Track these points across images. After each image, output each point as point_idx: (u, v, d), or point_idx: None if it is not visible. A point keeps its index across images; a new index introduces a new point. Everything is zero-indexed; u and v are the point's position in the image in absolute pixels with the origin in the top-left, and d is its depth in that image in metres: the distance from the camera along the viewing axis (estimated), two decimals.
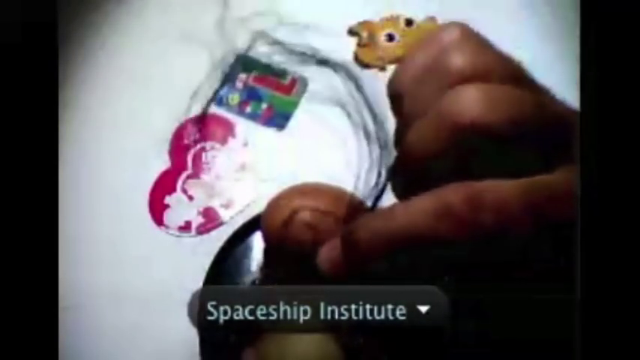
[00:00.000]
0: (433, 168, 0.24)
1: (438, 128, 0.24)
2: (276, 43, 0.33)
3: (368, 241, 0.25)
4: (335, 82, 0.31)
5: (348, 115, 0.30)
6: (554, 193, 0.23)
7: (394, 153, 0.28)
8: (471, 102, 0.23)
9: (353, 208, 0.32)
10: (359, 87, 0.30)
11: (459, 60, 0.25)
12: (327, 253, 0.27)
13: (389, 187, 0.28)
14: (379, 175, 0.29)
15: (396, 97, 0.27)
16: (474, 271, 0.25)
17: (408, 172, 0.26)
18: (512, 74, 0.25)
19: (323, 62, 0.32)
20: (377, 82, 0.29)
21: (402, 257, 0.25)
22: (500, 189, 0.23)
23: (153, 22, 0.58)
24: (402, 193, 0.27)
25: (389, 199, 0.28)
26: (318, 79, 0.32)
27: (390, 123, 0.28)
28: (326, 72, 0.32)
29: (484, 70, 0.24)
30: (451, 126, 0.23)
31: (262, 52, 0.34)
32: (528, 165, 0.24)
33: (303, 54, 0.34)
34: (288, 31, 0.35)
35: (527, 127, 0.23)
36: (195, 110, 0.47)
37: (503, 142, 0.23)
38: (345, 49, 0.56)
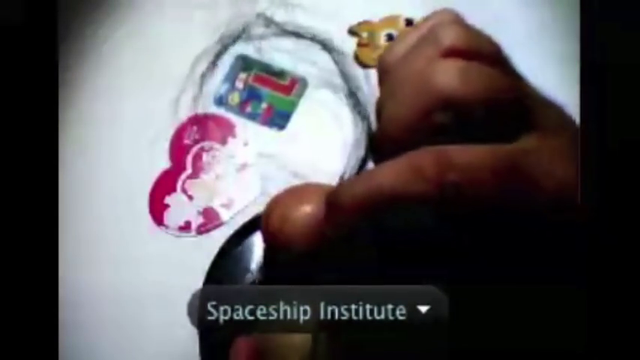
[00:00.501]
0: (410, 139, 0.25)
1: (416, 100, 0.25)
2: (271, 23, 0.34)
3: (346, 201, 0.26)
4: (325, 61, 0.32)
5: (341, 95, 0.31)
6: (521, 159, 0.24)
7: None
8: (449, 77, 0.25)
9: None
10: (347, 63, 0.31)
11: (443, 36, 0.26)
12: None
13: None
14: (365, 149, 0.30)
15: (383, 72, 0.28)
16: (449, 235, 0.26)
17: (386, 142, 0.27)
18: (493, 57, 0.26)
19: (314, 39, 0.33)
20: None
21: (381, 219, 0.26)
22: (469, 152, 0.24)
23: (151, 20, 0.58)
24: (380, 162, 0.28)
25: None
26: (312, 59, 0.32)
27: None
28: (317, 52, 0.32)
29: (466, 48, 0.26)
30: (427, 98, 0.25)
31: (258, 33, 0.34)
32: (496, 137, 0.25)
33: (296, 34, 0.35)
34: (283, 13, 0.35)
35: (498, 108, 0.25)
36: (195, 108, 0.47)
37: (474, 119, 0.25)
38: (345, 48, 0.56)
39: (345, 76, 0.30)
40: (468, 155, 0.24)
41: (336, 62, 0.31)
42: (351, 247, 0.29)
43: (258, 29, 0.38)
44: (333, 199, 0.26)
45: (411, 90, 0.26)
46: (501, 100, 0.25)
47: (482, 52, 0.26)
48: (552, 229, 0.24)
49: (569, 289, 0.25)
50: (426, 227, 0.26)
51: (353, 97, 0.31)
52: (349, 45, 0.56)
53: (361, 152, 0.30)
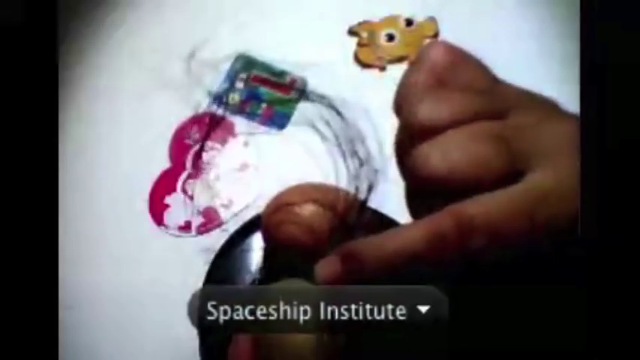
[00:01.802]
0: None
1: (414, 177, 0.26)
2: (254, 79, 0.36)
3: (369, 260, 0.27)
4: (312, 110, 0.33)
5: (322, 137, 0.32)
6: (543, 193, 0.25)
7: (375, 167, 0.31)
8: (431, 163, 0.26)
9: (351, 208, 0.33)
10: (339, 113, 0.32)
11: (418, 113, 0.27)
12: (326, 270, 0.28)
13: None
14: (357, 189, 0.32)
15: (397, 114, 0.29)
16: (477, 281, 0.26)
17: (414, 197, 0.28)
18: (485, 108, 0.27)
19: (305, 96, 0.34)
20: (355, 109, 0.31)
21: (401, 276, 0.27)
22: (488, 208, 0.25)
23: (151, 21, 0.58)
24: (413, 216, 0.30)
25: None
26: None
27: (370, 141, 0.31)
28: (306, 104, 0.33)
29: (442, 123, 0.26)
30: (420, 180, 0.26)
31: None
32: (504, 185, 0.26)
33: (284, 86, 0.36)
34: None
35: (490, 175, 0.25)
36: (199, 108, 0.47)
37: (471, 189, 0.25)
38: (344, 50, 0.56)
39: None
40: (487, 211, 0.24)
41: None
42: None
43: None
44: (355, 253, 0.27)
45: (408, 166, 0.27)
46: (494, 168, 0.25)
47: (461, 117, 0.26)
48: (559, 246, 0.25)
49: (569, 289, 0.25)
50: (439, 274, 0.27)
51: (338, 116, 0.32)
52: (349, 45, 0.56)
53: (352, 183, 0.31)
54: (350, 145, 0.32)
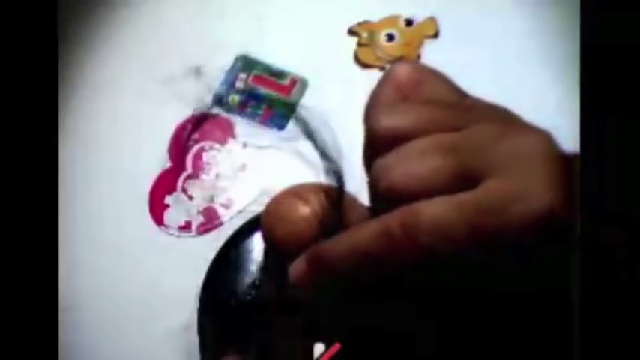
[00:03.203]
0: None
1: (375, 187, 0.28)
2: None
3: (326, 261, 0.28)
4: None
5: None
6: (487, 206, 0.25)
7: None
8: (389, 175, 0.27)
9: (351, 209, 0.33)
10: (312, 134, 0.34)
11: (385, 122, 0.28)
12: (294, 271, 0.30)
13: None
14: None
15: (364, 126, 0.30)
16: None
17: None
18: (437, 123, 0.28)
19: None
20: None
21: (359, 274, 0.27)
22: (437, 209, 0.25)
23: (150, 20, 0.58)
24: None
25: None
26: None
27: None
28: None
29: (407, 129, 0.27)
30: (379, 190, 0.27)
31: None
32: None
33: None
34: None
35: (444, 191, 0.26)
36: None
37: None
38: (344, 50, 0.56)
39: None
40: (435, 212, 0.25)
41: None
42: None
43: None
44: (317, 253, 0.29)
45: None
46: (445, 178, 0.26)
47: (419, 127, 0.27)
48: (530, 250, 0.25)
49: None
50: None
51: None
52: (349, 45, 0.56)
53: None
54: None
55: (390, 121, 0.27)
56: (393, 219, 0.26)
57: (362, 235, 0.27)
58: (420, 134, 0.27)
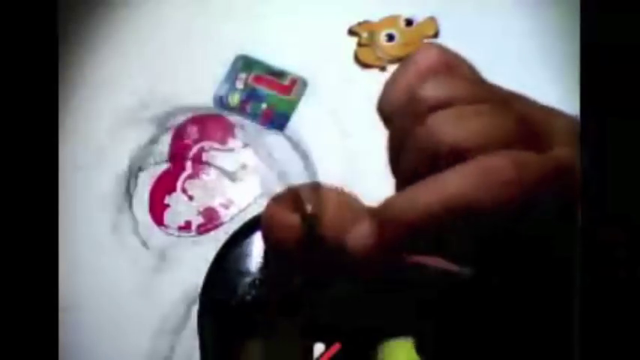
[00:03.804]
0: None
1: (420, 158, 0.24)
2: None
3: (413, 215, 0.24)
4: None
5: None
6: (563, 169, 0.24)
7: None
8: (445, 128, 0.24)
9: (353, 209, 0.32)
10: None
11: (423, 93, 0.25)
12: (361, 240, 0.26)
13: None
14: None
15: (384, 119, 0.27)
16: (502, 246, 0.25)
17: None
18: (483, 96, 0.26)
19: None
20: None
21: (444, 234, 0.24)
22: (535, 159, 0.23)
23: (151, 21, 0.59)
24: None
25: None
26: None
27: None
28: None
29: (447, 98, 0.25)
30: (432, 154, 0.24)
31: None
32: None
33: None
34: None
35: (505, 143, 0.24)
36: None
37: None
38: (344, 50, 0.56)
39: None
40: (536, 161, 0.23)
41: None
42: None
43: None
44: (392, 214, 0.24)
45: (414, 147, 0.25)
46: (501, 137, 0.24)
47: (465, 95, 0.25)
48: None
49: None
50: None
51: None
52: (349, 45, 0.56)
53: None
54: None
55: (435, 88, 0.25)
56: (499, 160, 0.23)
57: (456, 179, 0.23)
58: (466, 102, 0.25)
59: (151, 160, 0.52)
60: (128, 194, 0.51)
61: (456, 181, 0.23)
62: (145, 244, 0.49)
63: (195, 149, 0.52)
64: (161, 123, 0.53)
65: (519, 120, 0.25)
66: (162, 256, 0.48)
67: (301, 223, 0.31)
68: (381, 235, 0.25)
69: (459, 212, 0.23)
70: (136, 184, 0.51)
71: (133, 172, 0.52)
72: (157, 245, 0.49)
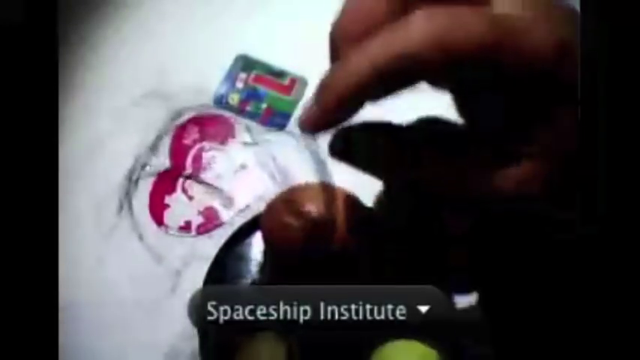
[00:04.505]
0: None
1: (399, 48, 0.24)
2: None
3: (334, 82, 0.26)
4: None
5: None
6: (517, 24, 0.23)
7: None
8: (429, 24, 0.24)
9: (352, 209, 0.32)
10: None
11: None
12: (304, 116, 0.27)
13: None
14: None
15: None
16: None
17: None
18: None
19: None
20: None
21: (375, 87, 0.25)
22: (461, 9, 0.23)
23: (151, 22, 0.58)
24: None
25: None
26: None
27: None
28: None
29: None
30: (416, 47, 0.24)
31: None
32: None
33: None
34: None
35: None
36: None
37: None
38: None
39: None
40: (456, 11, 0.23)
41: None
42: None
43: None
44: (331, 79, 0.26)
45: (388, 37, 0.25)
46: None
47: None
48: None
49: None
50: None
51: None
52: None
53: None
54: None
55: None
56: (408, 18, 0.23)
57: (373, 41, 0.24)
58: None
59: (151, 160, 0.52)
60: (128, 194, 0.51)
61: (366, 45, 0.24)
62: (144, 243, 0.49)
63: (195, 149, 0.52)
64: (161, 123, 0.53)
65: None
66: (162, 256, 0.48)
67: (301, 223, 0.31)
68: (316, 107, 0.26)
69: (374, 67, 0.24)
70: (136, 185, 0.51)
71: (133, 172, 0.52)
72: (156, 245, 0.49)
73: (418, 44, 0.23)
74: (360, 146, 0.26)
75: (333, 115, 0.26)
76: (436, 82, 0.26)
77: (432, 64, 0.23)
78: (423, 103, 0.27)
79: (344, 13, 0.27)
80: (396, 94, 0.25)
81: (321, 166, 0.34)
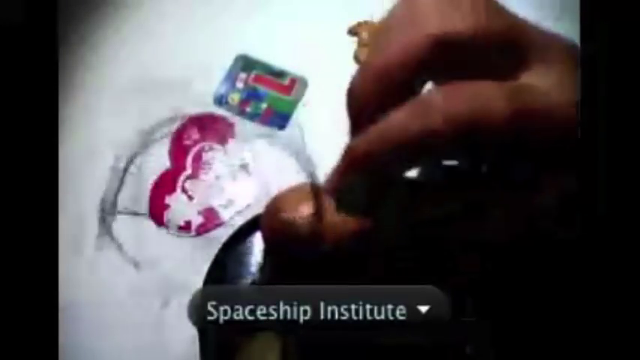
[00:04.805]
0: (396, 80, 0.26)
1: (403, 39, 0.25)
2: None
3: (360, 149, 0.26)
4: None
5: None
6: (527, 94, 0.24)
7: None
8: (433, 12, 0.25)
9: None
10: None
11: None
12: (331, 173, 0.28)
13: None
14: None
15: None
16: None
17: (368, 91, 0.27)
18: None
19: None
20: None
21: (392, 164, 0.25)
22: (479, 86, 0.23)
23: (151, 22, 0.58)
24: None
25: None
26: None
27: None
28: None
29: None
30: (414, 37, 0.25)
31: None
32: (493, 77, 0.24)
33: None
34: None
35: (490, 41, 0.24)
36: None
37: (467, 55, 0.24)
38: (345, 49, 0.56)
39: None
40: (476, 89, 0.23)
41: None
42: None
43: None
44: (345, 152, 0.26)
45: (396, 33, 0.26)
46: (492, 32, 0.25)
47: None
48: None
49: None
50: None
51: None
52: (349, 45, 0.56)
53: None
54: None
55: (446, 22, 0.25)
56: (431, 94, 0.24)
57: (396, 114, 0.24)
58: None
59: (151, 160, 0.52)
60: (128, 194, 0.51)
61: (393, 117, 0.24)
62: (144, 244, 0.49)
63: (195, 149, 0.52)
64: (161, 123, 0.53)
65: (513, 29, 0.25)
66: (162, 256, 0.48)
67: (301, 223, 0.31)
68: (338, 167, 0.27)
69: (394, 145, 0.24)
70: (136, 185, 0.51)
71: (133, 172, 0.52)
72: (156, 245, 0.49)
73: (439, 123, 0.23)
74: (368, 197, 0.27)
75: (351, 184, 0.27)
76: (453, 155, 0.26)
77: (451, 142, 0.24)
78: None
79: (359, 85, 0.27)
80: (413, 168, 0.26)
81: (311, 167, 0.35)
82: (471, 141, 0.23)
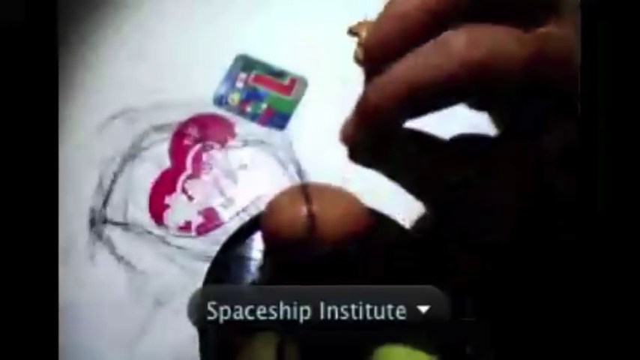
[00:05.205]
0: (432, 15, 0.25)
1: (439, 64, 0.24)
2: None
3: (381, 95, 0.26)
4: None
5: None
6: (559, 43, 0.24)
7: None
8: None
9: (353, 208, 0.32)
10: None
11: None
12: (344, 126, 0.28)
13: None
14: None
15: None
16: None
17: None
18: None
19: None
20: None
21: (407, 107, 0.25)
22: (497, 31, 0.23)
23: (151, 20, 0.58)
24: None
25: None
26: None
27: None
28: None
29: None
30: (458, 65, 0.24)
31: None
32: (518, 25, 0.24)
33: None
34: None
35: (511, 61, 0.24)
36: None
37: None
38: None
39: None
40: (495, 34, 0.23)
41: None
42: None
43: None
44: (366, 98, 0.26)
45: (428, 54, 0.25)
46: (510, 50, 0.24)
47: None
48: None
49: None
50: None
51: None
52: (349, 45, 0.56)
53: None
54: None
55: None
56: (449, 34, 0.24)
57: (413, 58, 0.24)
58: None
59: (151, 160, 0.52)
60: (128, 194, 0.51)
61: (411, 60, 0.24)
62: (144, 244, 0.49)
63: (195, 149, 0.52)
64: (161, 123, 0.53)
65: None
66: (162, 256, 0.48)
67: (302, 223, 0.31)
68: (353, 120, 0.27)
69: (415, 89, 0.24)
70: (136, 185, 0.51)
71: (133, 172, 0.52)
72: (156, 245, 0.49)
73: (457, 66, 0.23)
74: (390, 153, 0.27)
75: (369, 130, 0.26)
76: (471, 100, 0.26)
77: (470, 85, 0.23)
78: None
79: (380, 25, 0.27)
80: (431, 113, 0.25)
81: (311, 167, 0.35)
82: (486, 85, 0.23)
